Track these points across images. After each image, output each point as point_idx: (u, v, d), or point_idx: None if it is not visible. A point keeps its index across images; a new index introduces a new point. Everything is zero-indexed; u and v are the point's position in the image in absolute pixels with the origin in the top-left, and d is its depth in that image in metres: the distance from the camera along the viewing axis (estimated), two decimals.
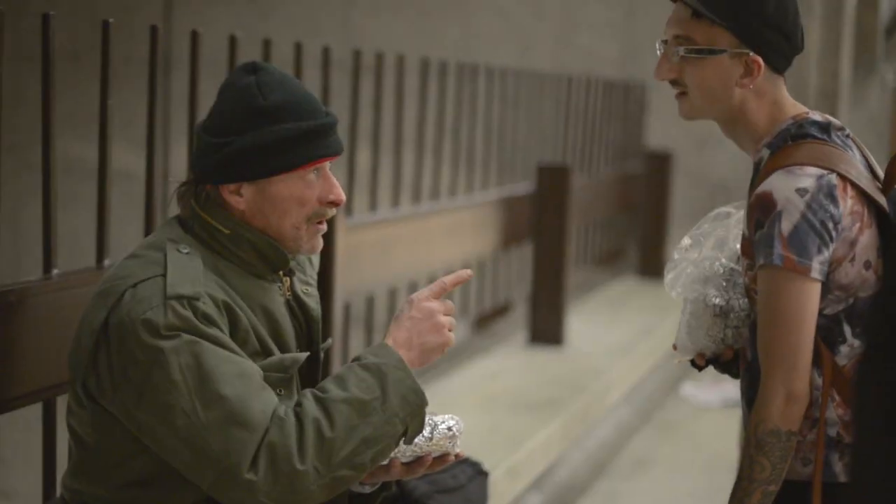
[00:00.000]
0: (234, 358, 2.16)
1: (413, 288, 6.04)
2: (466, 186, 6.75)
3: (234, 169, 2.27)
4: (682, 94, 2.42)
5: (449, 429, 2.32)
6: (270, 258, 2.31)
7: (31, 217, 6.64)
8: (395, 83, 5.80)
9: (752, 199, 2.32)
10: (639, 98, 9.18)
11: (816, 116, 2.39)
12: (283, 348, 2.33)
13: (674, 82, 2.41)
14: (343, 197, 2.35)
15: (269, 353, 2.27)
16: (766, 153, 2.36)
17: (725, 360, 2.53)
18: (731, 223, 2.55)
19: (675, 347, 2.57)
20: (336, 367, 4.24)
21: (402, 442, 2.27)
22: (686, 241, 2.56)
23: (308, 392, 2.21)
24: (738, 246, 2.48)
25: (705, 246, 2.53)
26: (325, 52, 4.68)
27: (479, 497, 3.43)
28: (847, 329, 2.35)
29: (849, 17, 10.29)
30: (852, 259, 2.32)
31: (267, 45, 4.16)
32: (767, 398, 2.30)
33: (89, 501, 2.27)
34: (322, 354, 2.48)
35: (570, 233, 6.86)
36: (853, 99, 11.55)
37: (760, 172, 2.34)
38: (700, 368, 2.56)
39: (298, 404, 2.18)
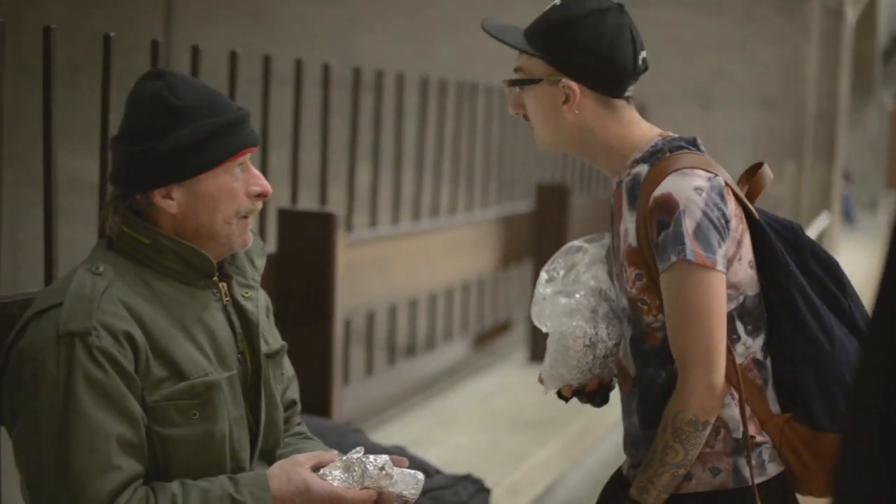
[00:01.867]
0: (98, 422, 2.14)
1: (413, 305, 6.03)
2: (466, 204, 6.74)
3: (161, 172, 2.26)
4: (532, 128, 2.53)
5: (381, 468, 2.25)
6: (194, 263, 2.28)
7: (29, 230, 6.63)
8: (395, 101, 5.80)
9: (651, 204, 2.36)
10: None
11: (678, 135, 2.49)
12: (219, 355, 2.29)
13: (526, 117, 2.51)
14: (269, 188, 2.34)
15: (181, 375, 2.23)
16: (642, 168, 2.41)
17: (590, 391, 2.57)
18: (583, 257, 2.59)
19: (540, 380, 2.60)
20: (336, 393, 4.20)
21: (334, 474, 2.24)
22: (543, 275, 2.60)
23: (170, 495, 2.17)
24: (594, 279, 2.53)
25: (563, 280, 2.57)
26: (325, 70, 4.68)
27: None
28: (740, 326, 2.42)
29: (847, 41, 10.32)
30: (740, 258, 2.40)
31: (267, 60, 4.15)
32: (688, 390, 2.34)
33: None
34: (274, 360, 2.42)
35: None
36: (851, 122, 11.56)
37: (642, 184, 2.40)
38: (567, 399, 2.60)
39: (156, 500, 2.16)
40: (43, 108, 2.89)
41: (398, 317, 5.92)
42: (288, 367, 2.56)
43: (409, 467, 3.39)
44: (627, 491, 2.45)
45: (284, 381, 2.50)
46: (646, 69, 2.46)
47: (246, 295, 2.38)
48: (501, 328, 7.03)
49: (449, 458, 4.77)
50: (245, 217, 2.32)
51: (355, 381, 5.32)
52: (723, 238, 2.34)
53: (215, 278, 2.33)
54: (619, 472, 2.63)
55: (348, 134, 5.21)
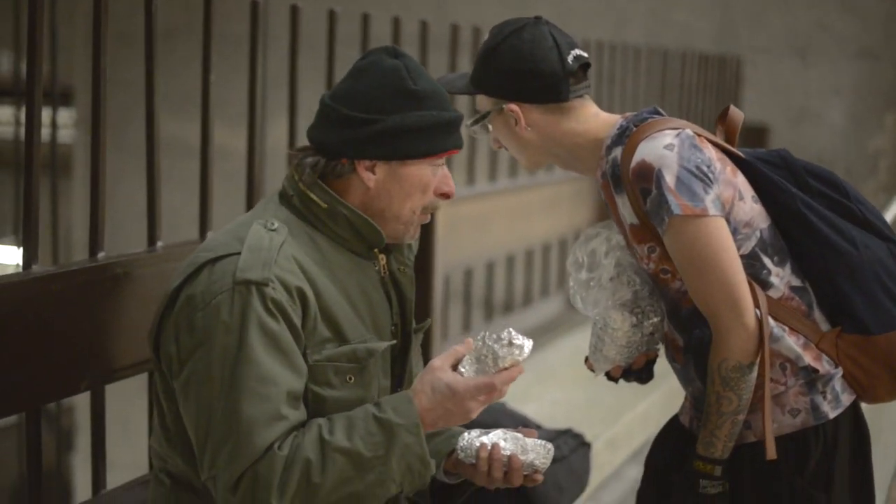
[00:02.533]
0: (270, 372, 2.16)
1: (510, 262, 6.04)
2: None
3: (378, 146, 2.27)
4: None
5: (508, 344, 2.19)
6: (366, 235, 2.31)
7: (126, 194, 6.73)
8: None
9: (630, 176, 2.40)
10: (734, 72, 9.07)
11: (638, 111, 2.54)
12: (376, 325, 2.32)
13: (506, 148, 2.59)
14: (454, 192, 2.36)
15: (342, 339, 2.26)
16: (617, 151, 2.46)
17: (637, 368, 2.60)
18: (603, 243, 2.60)
19: (589, 366, 2.62)
20: (436, 347, 4.24)
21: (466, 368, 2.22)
22: (573, 263, 2.62)
23: (315, 427, 2.19)
24: (619, 260, 2.55)
25: (590, 265, 2.59)
26: (423, 28, 4.68)
27: (582, 468, 3.43)
28: (766, 259, 2.46)
29: None
30: (741, 197, 2.44)
31: (365, 19, 4.16)
32: (724, 338, 2.38)
33: (170, 467, 2.31)
34: (417, 336, 2.46)
35: None
36: None
37: (620, 165, 2.43)
38: (616, 380, 2.62)
39: (302, 436, 2.17)
40: (146, 74, 2.93)
41: (495, 274, 5.94)
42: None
43: (510, 422, 3.42)
44: (694, 447, 2.48)
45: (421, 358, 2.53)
46: (583, 65, 2.50)
47: (402, 270, 2.41)
48: None
49: (546, 413, 4.79)
50: (426, 213, 2.36)
51: (453, 337, 5.35)
52: (708, 184, 2.38)
53: (377, 251, 2.36)
54: (674, 422, 2.67)
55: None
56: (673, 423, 2.69)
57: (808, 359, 2.44)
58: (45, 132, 6.30)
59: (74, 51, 9.26)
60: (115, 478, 2.92)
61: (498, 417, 3.47)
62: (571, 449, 3.44)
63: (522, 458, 2.30)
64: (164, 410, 2.29)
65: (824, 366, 2.45)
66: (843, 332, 2.45)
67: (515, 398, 4.99)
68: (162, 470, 2.33)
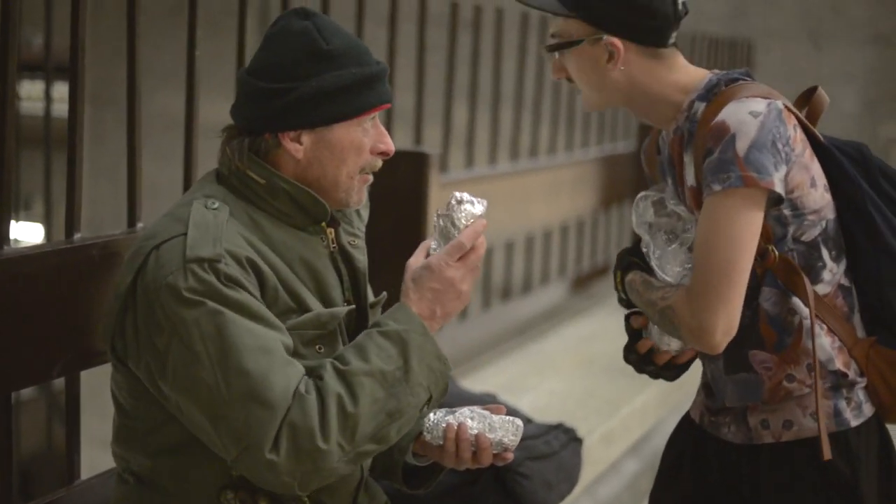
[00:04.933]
0: (257, 329, 2.07)
1: (509, 248, 5.95)
2: (566, 144, 6.63)
3: (298, 115, 2.18)
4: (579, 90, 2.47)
5: (460, 201, 2.20)
6: (308, 208, 2.22)
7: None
8: (493, 38, 5.69)
9: (705, 133, 2.30)
10: (745, 56, 8.98)
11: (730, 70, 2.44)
12: (327, 301, 2.24)
13: (569, 79, 2.46)
14: (393, 148, 2.28)
15: (305, 309, 2.18)
16: (699, 106, 2.36)
17: (682, 362, 2.50)
18: (643, 209, 2.50)
19: (644, 347, 2.51)
20: None
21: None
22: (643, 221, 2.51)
23: (328, 364, 2.11)
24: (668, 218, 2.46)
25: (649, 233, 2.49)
26: (422, 5, 4.59)
27: (572, 464, 3.35)
28: (825, 252, 2.36)
29: None
30: (814, 183, 2.34)
31: None
32: (704, 329, 2.27)
33: (133, 467, 2.22)
34: (374, 311, 2.37)
35: None
36: None
37: (699, 121, 2.33)
38: (655, 370, 2.51)
39: (319, 377, 2.09)
40: (128, 47, 2.85)
41: (494, 259, 5.85)
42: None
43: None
44: (704, 446, 2.45)
45: None
46: (686, 13, 2.39)
47: (353, 243, 2.33)
48: (600, 271, 6.93)
49: (543, 404, 4.70)
50: (367, 174, 2.27)
51: (449, 324, 5.26)
52: (782, 161, 2.27)
53: (324, 224, 2.27)
54: (685, 420, 2.59)
55: (445, 71, 5.12)
56: (683, 422, 2.61)
57: (838, 363, 2.36)
58: (39, 106, 6.22)
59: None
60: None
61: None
62: (562, 444, 3.36)
63: (490, 436, 2.25)
64: (125, 409, 2.20)
65: (852, 373, 2.36)
66: (878, 343, 2.36)
67: (512, 388, 4.92)
68: (126, 470, 2.24)
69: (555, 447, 3.33)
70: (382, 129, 2.27)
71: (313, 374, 2.11)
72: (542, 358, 5.45)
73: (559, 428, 3.45)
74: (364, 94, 2.20)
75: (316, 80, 2.17)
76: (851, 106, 9.14)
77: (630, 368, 2.56)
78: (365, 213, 2.42)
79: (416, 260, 2.21)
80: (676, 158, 2.41)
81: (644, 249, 2.48)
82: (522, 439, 3.17)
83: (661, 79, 2.39)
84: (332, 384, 2.08)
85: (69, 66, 2.77)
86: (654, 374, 2.52)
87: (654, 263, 2.44)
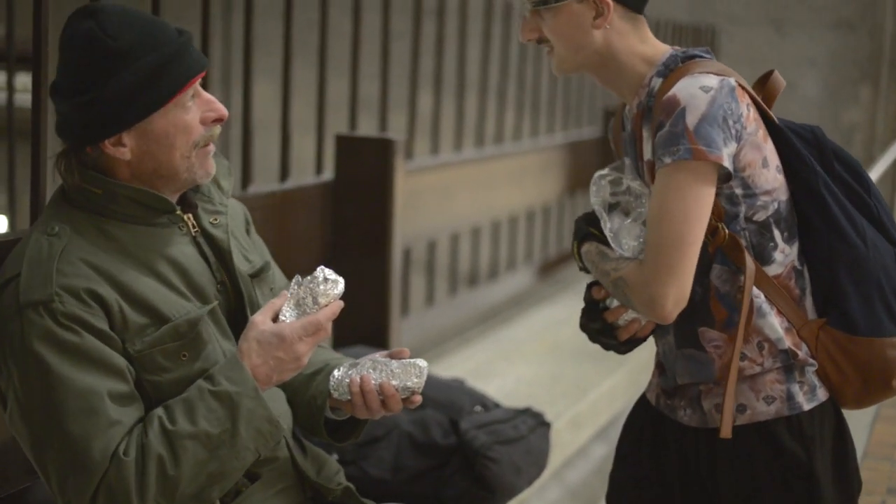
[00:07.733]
0: (86, 385, 2.06)
1: (476, 234, 5.95)
2: (531, 130, 6.63)
3: (108, 122, 2.13)
4: (550, 51, 2.44)
5: (324, 281, 2.19)
6: (151, 205, 2.19)
7: None
8: (458, 25, 5.68)
9: (657, 106, 2.31)
10: (709, 41, 8.99)
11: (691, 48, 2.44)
12: (195, 290, 2.21)
13: (540, 41, 2.43)
14: (225, 111, 2.23)
15: (162, 320, 2.15)
16: (657, 83, 2.36)
17: (644, 335, 2.48)
18: (602, 185, 2.49)
19: (607, 316, 2.50)
20: (394, 323, 4.15)
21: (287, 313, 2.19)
22: (602, 200, 2.50)
23: (156, 420, 2.10)
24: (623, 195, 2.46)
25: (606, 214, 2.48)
26: None
27: (540, 448, 3.35)
28: (777, 234, 2.36)
29: None
30: (766, 164, 2.34)
31: None
32: (655, 299, 2.27)
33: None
34: (259, 281, 2.35)
35: None
36: None
37: (656, 95, 2.34)
38: (618, 344, 2.51)
39: (145, 433, 2.09)
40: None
41: (460, 246, 5.85)
42: (279, 279, 2.48)
43: (467, 401, 3.34)
44: (662, 427, 2.45)
45: (276, 292, 2.41)
46: None
47: (214, 222, 2.30)
48: (566, 257, 6.94)
49: (511, 389, 4.71)
50: (205, 146, 2.22)
51: (415, 311, 5.26)
52: (732, 138, 2.27)
53: (178, 212, 2.25)
54: (641, 401, 2.60)
55: (409, 59, 5.11)
56: (640, 403, 2.61)
57: (788, 342, 2.36)
58: (2, 96, 6.17)
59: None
60: None
61: (455, 396, 3.39)
62: (530, 428, 3.36)
63: (394, 382, 2.27)
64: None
65: (802, 353, 2.37)
66: (828, 324, 2.36)
67: (479, 374, 4.92)
68: None
69: (523, 431, 3.33)
70: (207, 95, 2.21)
71: (142, 425, 2.10)
72: (509, 343, 5.45)
73: (527, 412, 3.45)
74: (169, 77, 2.14)
75: (115, 80, 2.11)
76: (814, 91, 9.18)
77: (598, 352, 2.56)
78: (226, 183, 2.38)
79: (262, 319, 2.17)
80: (638, 133, 2.40)
81: (602, 227, 2.48)
82: (491, 423, 3.17)
83: (633, 47, 2.39)
84: (156, 445, 2.07)
85: (32, 56, 2.74)
86: (607, 346, 2.53)
87: (610, 238, 2.44)
